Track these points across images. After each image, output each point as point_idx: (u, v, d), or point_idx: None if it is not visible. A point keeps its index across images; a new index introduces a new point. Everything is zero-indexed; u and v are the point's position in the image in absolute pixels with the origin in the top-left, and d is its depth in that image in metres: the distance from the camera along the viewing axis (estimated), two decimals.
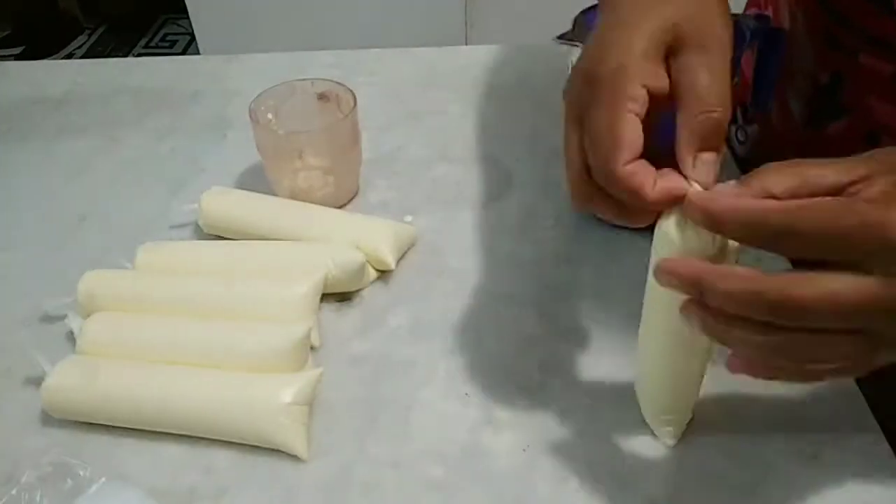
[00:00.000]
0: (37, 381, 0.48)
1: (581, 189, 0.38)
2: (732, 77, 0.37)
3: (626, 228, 0.45)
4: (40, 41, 2.50)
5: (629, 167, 0.35)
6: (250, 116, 0.61)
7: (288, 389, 0.45)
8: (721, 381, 0.49)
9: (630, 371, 0.49)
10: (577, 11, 0.57)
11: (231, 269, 0.55)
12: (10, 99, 0.81)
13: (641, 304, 0.40)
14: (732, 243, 0.35)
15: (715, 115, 0.35)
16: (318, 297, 0.52)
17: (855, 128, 0.56)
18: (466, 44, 1.63)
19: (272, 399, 0.45)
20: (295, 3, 1.60)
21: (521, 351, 0.52)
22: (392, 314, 0.55)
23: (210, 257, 0.57)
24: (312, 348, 0.51)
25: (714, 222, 0.33)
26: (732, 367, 0.36)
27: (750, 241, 0.33)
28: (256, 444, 0.46)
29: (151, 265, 0.56)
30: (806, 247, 0.31)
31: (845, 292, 0.30)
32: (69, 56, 2.48)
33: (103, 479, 0.44)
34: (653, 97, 0.36)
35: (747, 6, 0.69)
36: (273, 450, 0.46)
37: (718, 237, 0.34)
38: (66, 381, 0.47)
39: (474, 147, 0.71)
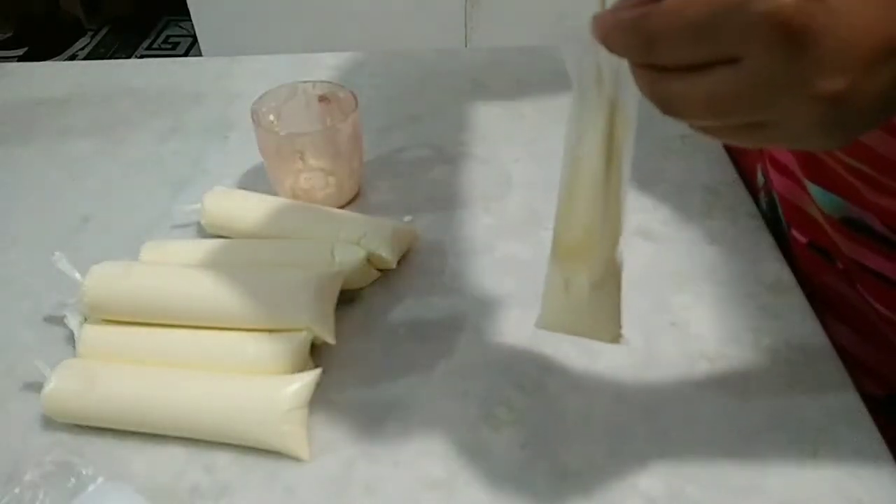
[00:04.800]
0: (39, 383, 0.48)
1: None
2: None
3: None
4: (43, 43, 2.50)
5: None
6: (252, 118, 0.61)
7: (286, 394, 0.45)
8: (720, 380, 0.49)
9: (629, 370, 0.50)
10: (575, 13, 0.57)
11: (234, 265, 0.55)
12: (12, 100, 0.81)
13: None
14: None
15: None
16: (335, 294, 0.52)
17: None
18: (466, 46, 1.64)
19: (271, 405, 0.45)
20: (296, 6, 1.60)
21: (520, 349, 0.52)
22: (392, 314, 0.55)
23: (213, 255, 0.57)
24: (315, 346, 0.51)
25: (602, 32, 0.32)
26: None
27: (628, 49, 0.31)
28: (257, 447, 0.46)
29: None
30: (682, 43, 0.29)
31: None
32: (72, 58, 2.48)
33: (100, 479, 0.44)
34: None
35: None
36: None
37: None
38: (66, 386, 0.47)
39: (474, 148, 0.72)
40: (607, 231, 0.40)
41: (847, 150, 0.48)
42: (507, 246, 0.60)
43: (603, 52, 0.33)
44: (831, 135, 0.30)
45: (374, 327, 0.54)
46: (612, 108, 0.36)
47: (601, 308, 0.43)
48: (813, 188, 0.53)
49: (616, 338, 0.43)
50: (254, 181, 0.67)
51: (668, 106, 0.31)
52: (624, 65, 0.33)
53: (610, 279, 0.41)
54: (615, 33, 0.31)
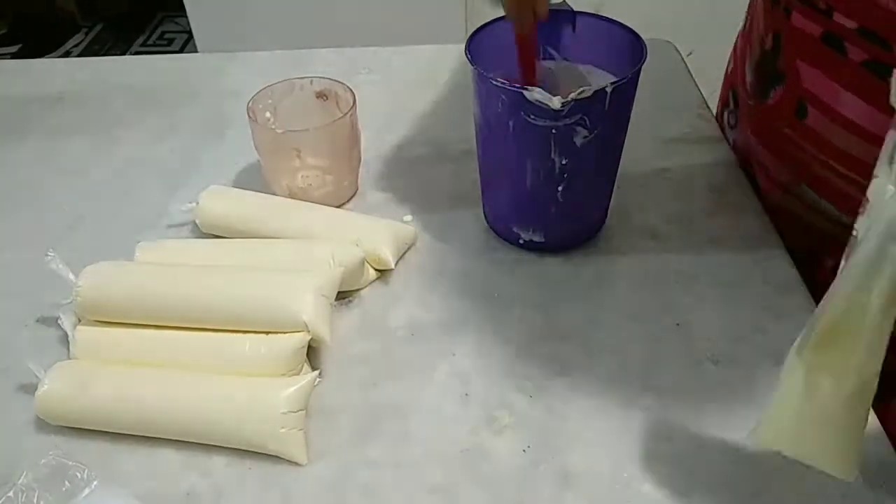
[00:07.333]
0: (32, 385, 0.47)
1: None
2: None
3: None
4: (37, 39, 2.49)
5: None
6: (248, 115, 0.60)
7: (283, 397, 0.45)
8: (726, 382, 0.49)
9: (633, 372, 0.49)
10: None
11: (231, 265, 0.54)
12: (6, 97, 0.81)
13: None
14: None
15: None
16: (333, 295, 0.51)
17: (789, 95, 0.56)
18: None
19: (267, 408, 0.45)
20: (294, 1, 1.59)
21: (521, 351, 0.51)
22: (392, 314, 0.54)
23: (209, 255, 0.56)
24: (312, 348, 0.50)
25: None
26: None
27: None
28: (254, 450, 0.45)
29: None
30: None
31: None
32: (66, 54, 2.47)
33: (95, 483, 0.43)
34: None
35: None
36: None
37: None
38: (60, 389, 0.47)
39: (474, 146, 0.71)
40: (876, 339, 0.33)
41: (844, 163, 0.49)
42: (507, 246, 0.60)
43: None
44: None
45: (373, 329, 0.53)
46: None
47: (842, 429, 0.36)
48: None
49: (850, 474, 0.37)
50: (250, 180, 0.66)
51: None
52: None
53: (863, 396, 0.35)
54: None
